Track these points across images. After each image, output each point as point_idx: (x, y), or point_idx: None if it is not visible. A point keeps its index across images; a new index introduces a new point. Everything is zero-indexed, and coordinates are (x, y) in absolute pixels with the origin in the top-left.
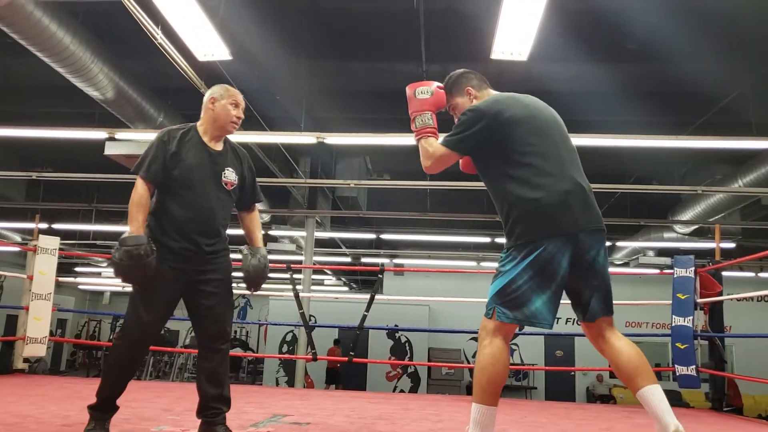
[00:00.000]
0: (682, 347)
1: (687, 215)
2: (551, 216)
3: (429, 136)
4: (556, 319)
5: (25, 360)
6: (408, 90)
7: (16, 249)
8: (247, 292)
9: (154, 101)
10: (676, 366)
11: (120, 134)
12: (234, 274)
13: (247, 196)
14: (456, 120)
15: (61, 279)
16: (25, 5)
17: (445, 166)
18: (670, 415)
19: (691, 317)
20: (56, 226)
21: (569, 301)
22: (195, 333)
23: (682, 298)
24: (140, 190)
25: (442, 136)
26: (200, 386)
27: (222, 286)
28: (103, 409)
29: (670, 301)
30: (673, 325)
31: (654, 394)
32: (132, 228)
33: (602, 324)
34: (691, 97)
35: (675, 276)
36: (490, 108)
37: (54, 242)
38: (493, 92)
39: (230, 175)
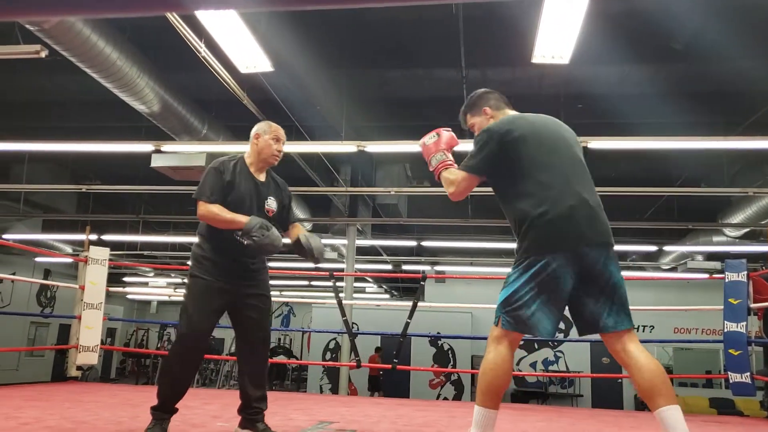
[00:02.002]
0: (736, 354)
1: (737, 218)
2: (553, 231)
3: (447, 168)
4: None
5: (78, 368)
6: (419, 145)
7: (69, 260)
8: (290, 300)
9: (198, 113)
10: (729, 373)
11: (166, 147)
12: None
13: (287, 219)
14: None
15: (110, 289)
16: (75, 23)
17: (468, 191)
18: None
19: (744, 323)
20: (105, 237)
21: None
22: (238, 340)
23: (735, 303)
24: (210, 207)
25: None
26: (243, 387)
27: (264, 300)
28: (162, 410)
29: (721, 307)
30: (726, 330)
31: (673, 415)
32: (242, 219)
33: (622, 336)
34: (741, 96)
35: (726, 280)
36: (500, 128)
37: (104, 253)
38: (511, 112)
39: (272, 204)
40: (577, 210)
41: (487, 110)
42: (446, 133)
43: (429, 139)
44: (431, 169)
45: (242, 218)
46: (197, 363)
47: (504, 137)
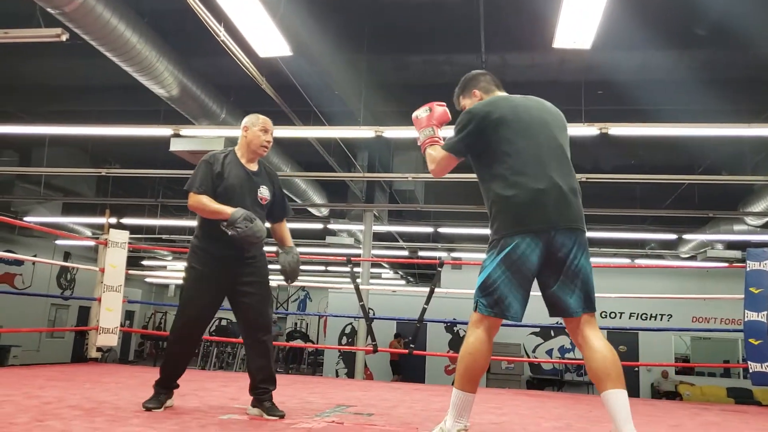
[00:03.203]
0: (756, 343)
1: (759, 206)
2: (523, 213)
3: (433, 144)
4: (619, 314)
5: (98, 349)
6: (412, 116)
7: (88, 243)
8: (307, 284)
9: (216, 98)
10: (749, 363)
11: (184, 131)
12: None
13: (277, 211)
14: None
15: (129, 272)
16: (95, 7)
17: (448, 170)
18: (629, 423)
19: (765, 312)
20: (124, 220)
21: (554, 300)
22: (241, 327)
23: (756, 292)
24: (199, 197)
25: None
26: (250, 369)
27: (262, 286)
28: (162, 385)
29: (741, 296)
30: (746, 320)
31: (619, 398)
32: (227, 210)
33: (582, 320)
34: (765, 83)
35: (748, 269)
36: (481, 110)
37: (123, 236)
38: (500, 93)
39: (265, 192)
40: (546, 194)
41: (477, 92)
42: (439, 108)
43: (422, 112)
44: (419, 143)
45: (228, 209)
46: (194, 345)
47: (484, 119)
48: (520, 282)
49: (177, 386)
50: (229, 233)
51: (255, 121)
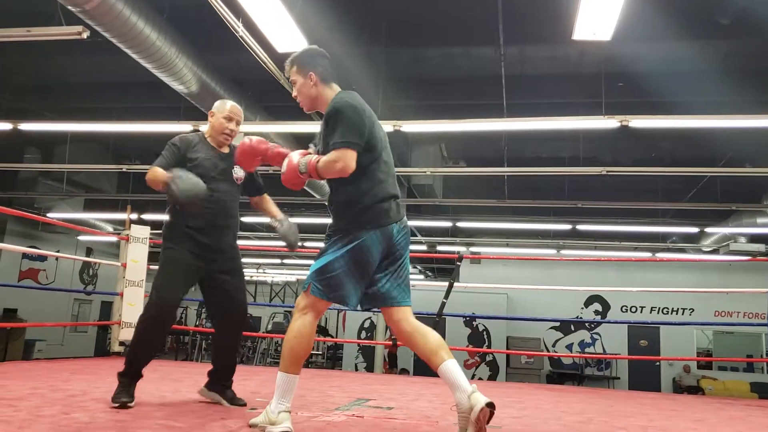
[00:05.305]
0: None
1: None
2: (377, 212)
3: (315, 157)
4: (640, 308)
5: (121, 343)
6: (286, 169)
7: (109, 239)
8: None
9: (235, 93)
10: None
11: (204, 126)
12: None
13: (253, 187)
14: (294, 93)
15: (152, 267)
16: (115, 4)
17: (353, 162)
18: (467, 383)
19: None
20: (145, 216)
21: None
22: (213, 313)
23: None
24: (153, 170)
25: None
26: (217, 358)
27: (237, 275)
28: (130, 376)
29: (765, 290)
30: None
31: (456, 366)
32: (167, 175)
33: (404, 310)
34: None
35: None
36: (364, 108)
37: (144, 231)
38: (337, 88)
39: (239, 172)
40: (396, 197)
41: (313, 76)
42: (293, 151)
43: (285, 164)
44: (306, 170)
45: (166, 174)
46: (167, 329)
47: (370, 118)
48: (361, 274)
49: (141, 376)
50: (169, 190)
51: (222, 107)
